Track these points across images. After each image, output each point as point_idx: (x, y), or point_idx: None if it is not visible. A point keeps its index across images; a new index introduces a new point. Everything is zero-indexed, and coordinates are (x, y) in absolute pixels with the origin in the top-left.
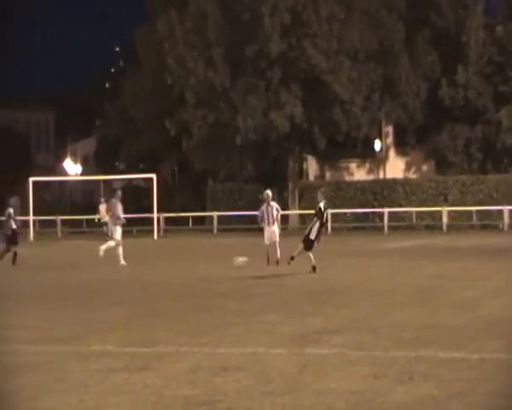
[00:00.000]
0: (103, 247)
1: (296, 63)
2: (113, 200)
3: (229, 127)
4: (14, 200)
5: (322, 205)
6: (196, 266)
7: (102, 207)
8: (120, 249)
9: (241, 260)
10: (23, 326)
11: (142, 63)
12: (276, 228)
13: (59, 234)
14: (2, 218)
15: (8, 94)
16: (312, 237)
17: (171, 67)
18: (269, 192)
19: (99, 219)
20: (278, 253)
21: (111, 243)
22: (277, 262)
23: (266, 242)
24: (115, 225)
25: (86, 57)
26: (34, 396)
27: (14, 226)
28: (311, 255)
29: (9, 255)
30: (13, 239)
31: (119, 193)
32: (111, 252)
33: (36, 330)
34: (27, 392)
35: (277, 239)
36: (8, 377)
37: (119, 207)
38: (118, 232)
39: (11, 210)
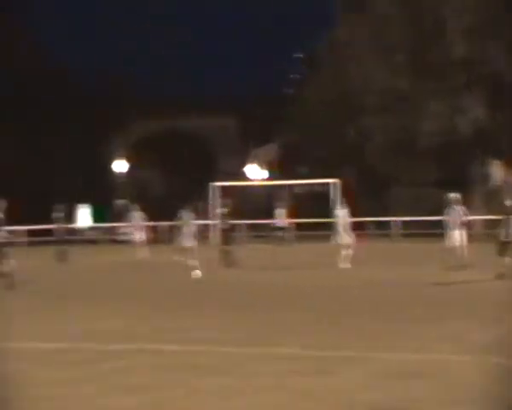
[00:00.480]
0: (344, 260)
1: (480, 66)
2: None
3: (411, 132)
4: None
5: (509, 203)
6: (377, 271)
7: (279, 213)
8: (346, 253)
9: (198, 271)
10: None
11: (323, 68)
12: (461, 232)
13: (243, 238)
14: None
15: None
16: (508, 238)
17: (352, 73)
18: (454, 195)
19: (275, 224)
20: (464, 257)
21: (348, 253)
22: (464, 267)
23: (450, 245)
24: (344, 231)
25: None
26: (225, 397)
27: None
28: (507, 261)
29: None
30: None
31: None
32: (347, 257)
33: (224, 332)
34: (218, 393)
35: (464, 243)
36: (201, 378)
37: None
38: (348, 236)
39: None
